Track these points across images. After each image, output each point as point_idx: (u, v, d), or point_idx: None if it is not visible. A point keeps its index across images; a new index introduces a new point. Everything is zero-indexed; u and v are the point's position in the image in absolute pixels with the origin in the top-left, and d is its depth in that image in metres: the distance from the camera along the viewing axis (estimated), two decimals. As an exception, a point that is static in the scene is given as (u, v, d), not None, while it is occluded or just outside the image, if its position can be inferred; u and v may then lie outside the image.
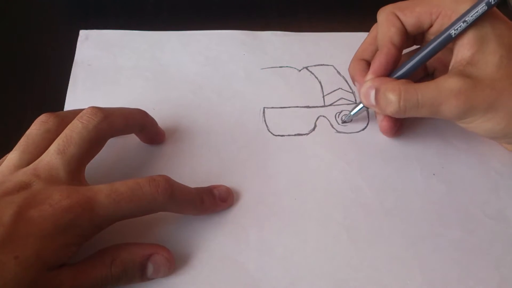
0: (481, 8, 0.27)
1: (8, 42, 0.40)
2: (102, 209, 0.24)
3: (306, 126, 0.35)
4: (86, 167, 0.28)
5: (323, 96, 0.36)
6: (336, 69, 0.38)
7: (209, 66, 0.38)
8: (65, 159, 0.26)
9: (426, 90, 0.28)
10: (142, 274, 0.26)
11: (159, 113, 0.33)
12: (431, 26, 0.30)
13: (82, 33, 0.39)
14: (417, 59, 0.29)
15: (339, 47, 0.39)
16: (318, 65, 0.38)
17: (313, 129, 0.35)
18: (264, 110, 0.35)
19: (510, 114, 0.27)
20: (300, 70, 0.38)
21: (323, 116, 0.35)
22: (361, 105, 0.33)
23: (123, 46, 0.39)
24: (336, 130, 0.34)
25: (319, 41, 0.40)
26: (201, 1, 0.43)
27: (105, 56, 0.38)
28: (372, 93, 0.29)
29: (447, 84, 0.27)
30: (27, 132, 0.27)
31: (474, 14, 0.27)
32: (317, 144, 0.34)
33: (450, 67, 0.29)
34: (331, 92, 0.36)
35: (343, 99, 0.36)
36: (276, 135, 0.34)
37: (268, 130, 0.34)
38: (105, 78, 0.37)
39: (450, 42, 0.28)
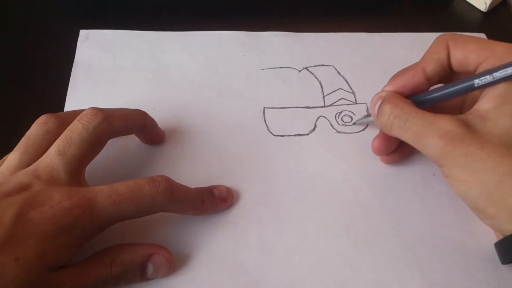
0: (511, 69, 0.25)
1: (8, 42, 0.40)
2: (102, 210, 0.24)
3: (306, 126, 0.35)
4: (87, 168, 0.28)
5: (323, 97, 0.36)
6: (336, 70, 0.38)
7: (209, 66, 0.38)
8: (66, 160, 0.26)
9: (419, 117, 0.26)
10: (142, 274, 0.26)
11: (159, 113, 0.33)
12: (476, 68, 0.27)
13: (82, 33, 0.39)
14: (438, 93, 0.27)
15: (339, 47, 0.39)
16: (318, 65, 0.38)
17: (313, 129, 0.35)
18: (264, 110, 0.35)
19: (484, 184, 0.24)
20: (300, 71, 0.38)
21: (323, 116, 0.35)
22: (371, 118, 0.31)
23: (123, 46, 0.39)
24: (336, 131, 0.34)
25: (319, 41, 0.40)
26: (201, 1, 0.43)
27: (105, 56, 0.38)
28: (379, 102, 0.28)
29: (440, 121, 0.26)
30: (27, 133, 0.27)
31: (503, 72, 0.25)
32: (317, 144, 0.34)
33: (465, 113, 0.27)
34: (331, 93, 0.36)
35: (343, 100, 0.36)
36: (276, 135, 0.34)
37: (268, 130, 0.34)
38: (105, 78, 0.37)
39: (472, 90, 0.26)
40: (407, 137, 0.27)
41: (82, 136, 0.27)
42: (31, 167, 0.26)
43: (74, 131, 0.27)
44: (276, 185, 0.32)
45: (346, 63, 0.38)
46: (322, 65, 0.38)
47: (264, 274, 0.28)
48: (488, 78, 0.25)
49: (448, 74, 0.29)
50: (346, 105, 0.36)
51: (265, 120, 0.35)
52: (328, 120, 0.35)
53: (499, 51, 0.26)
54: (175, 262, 0.28)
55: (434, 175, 0.32)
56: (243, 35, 0.40)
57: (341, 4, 0.43)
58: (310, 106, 0.36)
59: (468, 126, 0.25)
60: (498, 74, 0.25)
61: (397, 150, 0.32)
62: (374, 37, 0.40)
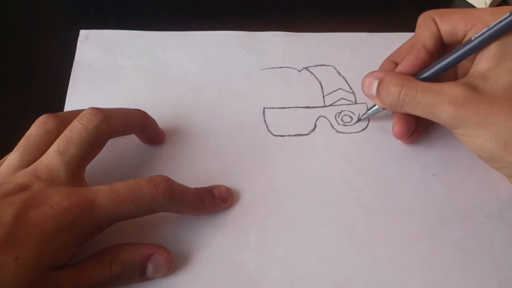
0: (509, 18, 0.26)
1: (8, 42, 0.40)
2: (102, 209, 0.24)
3: (306, 126, 0.35)
4: (87, 168, 0.28)
5: (323, 97, 0.36)
6: (336, 69, 0.38)
7: (209, 66, 0.38)
8: (65, 160, 0.26)
9: (426, 89, 0.28)
10: (142, 274, 0.26)
11: (159, 113, 0.33)
12: (465, 36, 0.29)
13: (83, 33, 0.39)
14: (440, 65, 0.29)
15: (339, 47, 0.39)
16: (318, 65, 0.38)
17: (313, 129, 0.35)
18: (264, 110, 0.35)
19: (499, 135, 0.26)
20: (300, 71, 0.38)
21: (323, 116, 0.35)
22: (377, 106, 0.33)
23: (123, 46, 0.39)
24: (336, 130, 0.34)
25: (319, 41, 0.40)
26: (201, 1, 0.43)
27: (105, 56, 0.38)
28: (375, 83, 0.29)
29: (447, 89, 0.27)
30: (27, 133, 0.27)
31: (498, 22, 0.27)
32: (317, 144, 0.34)
33: (466, 77, 0.29)
34: (331, 93, 0.36)
35: (343, 100, 0.36)
36: (276, 135, 0.34)
37: (268, 130, 0.34)
38: (105, 78, 0.37)
39: (472, 49, 0.28)
40: (419, 111, 0.28)
41: (81, 136, 0.27)
42: (31, 167, 0.26)
43: (74, 131, 0.27)
44: (276, 185, 0.32)
45: (346, 63, 0.38)
46: (322, 65, 0.38)
47: (264, 274, 0.28)
48: (484, 30, 0.27)
49: (440, 49, 0.30)
50: (346, 105, 0.36)
51: (265, 120, 0.35)
52: (328, 120, 0.35)
53: (484, 16, 0.28)
54: (175, 262, 0.28)
55: (434, 175, 0.32)
56: (243, 35, 0.40)
57: (341, 4, 0.43)
58: (310, 106, 0.36)
59: (473, 88, 0.27)
60: (493, 25, 0.27)
61: (416, 128, 0.33)
62: (374, 37, 0.40)
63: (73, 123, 0.27)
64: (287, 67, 0.38)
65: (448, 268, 0.28)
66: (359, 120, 0.35)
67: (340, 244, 0.29)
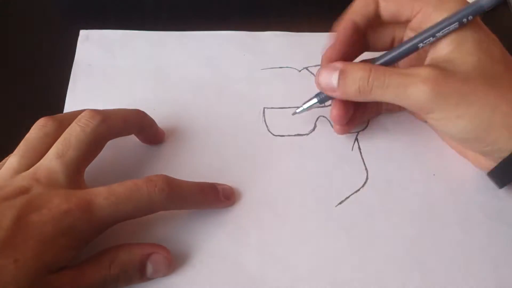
0: (453, 26, 0.26)
1: (8, 42, 0.40)
2: (101, 211, 0.24)
3: (306, 126, 0.35)
4: (86, 169, 0.28)
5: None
6: (336, 69, 0.38)
7: (209, 66, 0.38)
8: (64, 163, 0.26)
9: (394, 72, 0.27)
10: (141, 274, 0.26)
11: (159, 113, 0.33)
12: (409, 20, 0.29)
13: (83, 33, 0.39)
14: (386, 58, 0.29)
15: (339, 47, 0.39)
16: (318, 65, 0.38)
17: (313, 129, 0.35)
18: (264, 110, 0.35)
19: (482, 114, 0.26)
20: (300, 71, 0.38)
21: (323, 116, 0.35)
22: (314, 100, 0.32)
23: (123, 46, 0.39)
24: (336, 130, 0.34)
25: (319, 41, 0.39)
26: (201, 1, 0.43)
27: (105, 56, 0.38)
28: (335, 74, 0.28)
29: (417, 70, 0.26)
30: (26, 136, 0.27)
31: (445, 30, 0.27)
32: (317, 144, 0.34)
33: (424, 64, 0.28)
34: (331, 92, 0.36)
35: (343, 99, 0.36)
36: (276, 135, 0.34)
37: (268, 130, 0.34)
38: (105, 78, 0.37)
39: (415, 51, 0.28)
40: (389, 94, 0.27)
41: (80, 138, 0.27)
42: (31, 170, 0.26)
43: (72, 133, 0.27)
44: (276, 185, 0.32)
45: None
46: (322, 65, 0.38)
47: (264, 274, 0.28)
48: (431, 39, 0.27)
49: (376, 26, 0.30)
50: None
51: (265, 120, 0.35)
52: (328, 120, 0.35)
53: (431, 1, 0.28)
54: (175, 262, 0.28)
55: (434, 175, 0.32)
56: (243, 35, 0.40)
57: (341, 4, 0.43)
58: (310, 106, 0.36)
59: (441, 69, 0.26)
60: (440, 34, 0.27)
61: (352, 118, 0.32)
62: (374, 37, 0.40)
63: (71, 125, 0.27)
64: (287, 67, 0.38)
65: (448, 268, 0.28)
66: (294, 113, 0.33)
67: (340, 244, 0.29)
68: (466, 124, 0.26)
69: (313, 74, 0.37)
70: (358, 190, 0.32)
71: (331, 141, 0.34)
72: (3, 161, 0.28)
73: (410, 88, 0.26)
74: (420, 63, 0.29)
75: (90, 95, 0.36)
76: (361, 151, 0.33)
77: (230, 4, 0.43)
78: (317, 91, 0.32)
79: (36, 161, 0.26)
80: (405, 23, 0.30)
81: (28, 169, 0.26)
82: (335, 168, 0.33)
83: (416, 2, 0.28)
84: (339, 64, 0.29)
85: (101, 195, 0.24)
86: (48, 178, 0.25)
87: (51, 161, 0.26)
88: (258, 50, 0.39)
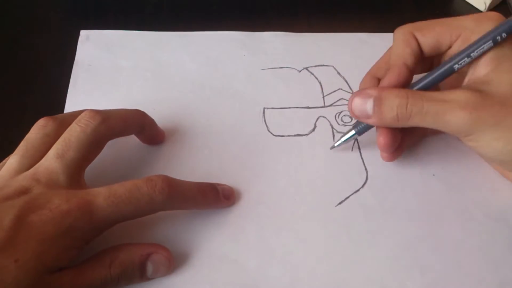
0: (487, 45, 0.26)
1: (9, 42, 0.40)
2: (101, 212, 0.24)
3: (306, 126, 0.35)
4: (87, 169, 0.28)
5: (323, 97, 0.36)
6: (336, 70, 0.38)
7: (209, 66, 0.38)
8: (64, 163, 0.26)
9: (431, 98, 0.27)
10: (141, 274, 0.26)
11: (159, 113, 0.33)
12: (449, 47, 0.29)
13: (83, 33, 0.39)
14: (434, 76, 0.28)
15: (339, 48, 0.39)
16: (318, 65, 0.38)
17: (313, 129, 0.35)
18: (264, 110, 0.35)
19: None
20: (300, 71, 0.38)
21: (323, 116, 0.35)
22: (352, 132, 0.31)
23: (123, 46, 0.39)
24: (336, 131, 0.34)
25: (319, 41, 0.40)
26: (201, 1, 0.43)
27: (105, 56, 0.38)
28: (369, 101, 0.28)
29: (454, 95, 0.26)
30: (27, 136, 0.27)
31: (479, 49, 0.26)
32: (317, 144, 0.34)
33: (462, 85, 0.28)
34: (331, 93, 0.36)
35: (343, 100, 0.36)
36: (276, 136, 0.34)
37: (268, 130, 0.34)
38: (105, 78, 0.37)
39: (454, 73, 0.27)
40: (428, 120, 0.27)
41: (80, 139, 0.27)
42: (31, 170, 0.26)
43: (73, 134, 0.27)
44: (276, 185, 0.32)
45: (346, 64, 0.38)
46: (322, 65, 0.38)
47: (264, 274, 0.28)
48: (466, 60, 0.27)
49: (422, 62, 0.30)
50: (346, 105, 0.36)
51: (265, 120, 0.35)
52: (328, 120, 0.35)
53: (468, 25, 0.28)
54: (175, 262, 0.28)
55: (434, 175, 0.32)
56: (243, 35, 0.40)
57: (341, 4, 0.43)
58: (310, 106, 0.36)
59: (479, 91, 0.26)
60: (475, 54, 0.26)
61: (399, 145, 0.31)
62: (374, 37, 0.40)
63: (71, 126, 0.27)
64: (287, 67, 0.38)
65: (448, 268, 0.28)
66: (332, 147, 0.33)
67: (340, 244, 0.29)
68: (503, 146, 0.26)
69: (313, 74, 0.38)
70: (358, 190, 0.32)
71: (331, 141, 0.34)
72: (4, 161, 0.28)
73: (448, 114, 0.26)
74: (460, 82, 0.29)
75: (91, 95, 0.36)
76: (361, 151, 0.33)
77: (230, 4, 0.43)
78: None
79: (37, 161, 0.26)
80: (446, 52, 0.29)
81: (28, 169, 0.26)
82: (335, 168, 0.33)
83: (453, 29, 0.28)
84: (372, 91, 0.28)
85: (101, 196, 0.24)
86: (48, 178, 0.25)
87: (51, 161, 0.26)
88: (258, 50, 0.39)
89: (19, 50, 0.39)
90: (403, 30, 0.29)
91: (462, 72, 0.28)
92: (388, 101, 0.27)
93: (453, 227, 0.30)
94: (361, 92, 0.28)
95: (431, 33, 0.29)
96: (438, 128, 0.27)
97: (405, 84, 0.28)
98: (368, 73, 0.32)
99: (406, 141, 0.32)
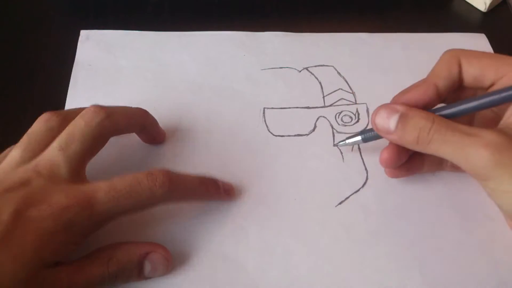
0: None
1: (9, 42, 0.40)
2: (101, 206, 0.24)
3: (306, 126, 0.35)
4: (87, 169, 0.28)
5: (323, 97, 0.36)
6: (336, 70, 0.38)
7: (209, 66, 0.38)
8: (67, 156, 0.26)
9: (456, 129, 0.25)
10: (139, 273, 0.26)
11: (159, 113, 0.33)
12: (492, 84, 0.27)
13: (83, 33, 0.39)
14: (465, 106, 0.26)
15: (339, 48, 0.39)
16: (318, 65, 0.38)
17: (313, 129, 0.35)
18: (264, 110, 0.35)
19: None
20: (300, 71, 0.38)
21: (323, 116, 0.35)
22: (358, 138, 0.31)
23: (123, 46, 0.39)
24: (336, 131, 0.34)
25: (319, 41, 0.40)
26: (201, 1, 0.43)
27: (105, 56, 0.38)
28: (394, 117, 0.26)
29: (481, 132, 0.24)
30: (30, 129, 0.27)
31: None
32: (317, 144, 0.34)
33: (496, 127, 0.26)
34: (331, 93, 0.36)
35: (343, 100, 0.36)
36: (276, 136, 0.34)
37: (268, 130, 0.34)
38: (105, 78, 0.37)
39: (484, 109, 0.26)
40: (446, 150, 0.25)
41: (84, 132, 0.27)
42: (32, 162, 0.26)
43: (77, 127, 0.27)
44: (276, 185, 0.32)
45: (346, 64, 0.38)
46: (322, 65, 0.38)
47: (264, 274, 0.28)
48: (501, 99, 0.25)
49: (456, 90, 0.28)
50: (346, 105, 0.36)
51: (265, 120, 0.35)
52: (328, 120, 0.35)
53: None
54: (175, 262, 0.28)
55: (434, 175, 0.32)
56: (243, 35, 0.40)
57: (341, 4, 0.43)
58: (310, 106, 0.36)
59: (509, 136, 0.24)
60: None
61: (404, 165, 0.30)
62: (374, 37, 0.40)
63: (75, 119, 0.27)
64: (287, 67, 0.38)
65: (448, 268, 0.28)
66: (335, 145, 0.33)
67: (340, 244, 0.29)
68: None
69: (313, 74, 0.38)
70: (358, 190, 0.32)
71: (331, 141, 0.34)
72: (4, 152, 0.28)
73: (469, 149, 0.24)
74: (496, 123, 0.27)
75: (91, 95, 0.36)
76: (361, 151, 0.33)
77: (230, 4, 0.43)
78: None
79: (39, 154, 0.26)
80: (488, 88, 0.27)
81: (30, 161, 0.26)
82: (335, 168, 0.33)
83: (502, 66, 0.26)
84: (400, 107, 0.26)
85: (102, 190, 0.24)
86: (49, 170, 0.25)
87: (53, 153, 0.26)
88: (258, 50, 0.39)
89: (19, 50, 0.39)
90: (450, 53, 0.28)
91: (500, 113, 0.27)
92: (413, 120, 0.26)
93: (453, 227, 0.30)
94: (388, 105, 0.27)
95: (478, 64, 0.27)
96: (456, 163, 0.25)
97: (426, 105, 0.27)
98: (401, 92, 0.29)
99: (417, 165, 0.31)
